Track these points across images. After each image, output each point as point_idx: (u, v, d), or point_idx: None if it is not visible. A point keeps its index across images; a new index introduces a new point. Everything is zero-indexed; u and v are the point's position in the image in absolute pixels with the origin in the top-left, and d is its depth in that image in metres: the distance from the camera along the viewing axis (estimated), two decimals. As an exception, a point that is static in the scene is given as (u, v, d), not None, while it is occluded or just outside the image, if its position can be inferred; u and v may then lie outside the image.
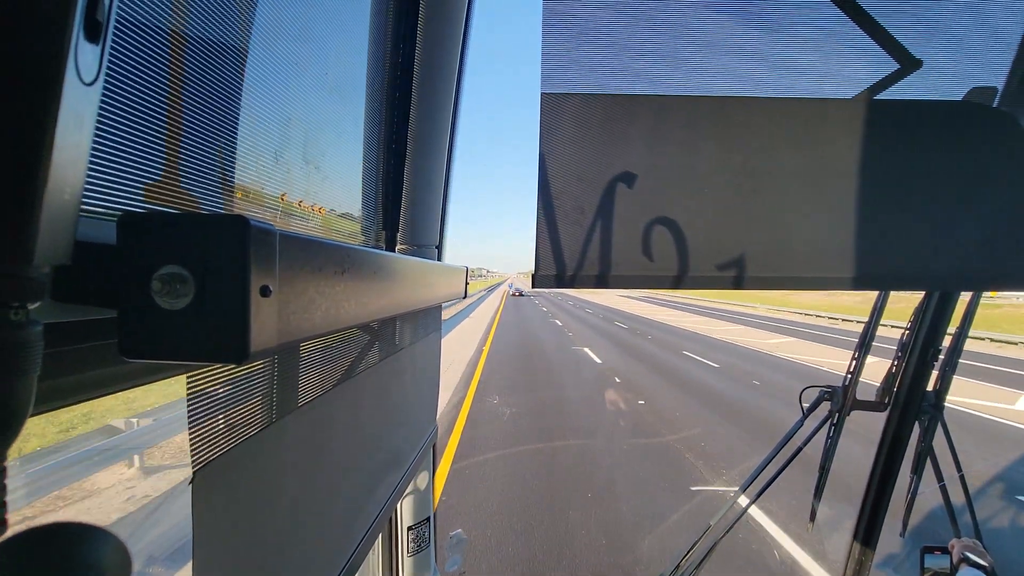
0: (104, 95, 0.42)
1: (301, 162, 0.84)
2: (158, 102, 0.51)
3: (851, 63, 1.27)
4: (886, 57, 1.26)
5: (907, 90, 1.29)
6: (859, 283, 1.25)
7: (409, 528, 1.69)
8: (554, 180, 1.23)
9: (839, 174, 1.26)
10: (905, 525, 2.14)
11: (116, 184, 0.45)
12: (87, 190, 0.41)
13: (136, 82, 0.47)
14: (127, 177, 0.47)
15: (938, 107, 1.29)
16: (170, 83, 0.53)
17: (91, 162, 0.42)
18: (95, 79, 0.27)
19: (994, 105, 1.32)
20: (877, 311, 1.89)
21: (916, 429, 1.96)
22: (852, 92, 1.29)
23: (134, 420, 5.61)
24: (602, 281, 1.24)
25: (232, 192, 0.65)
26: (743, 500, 2.03)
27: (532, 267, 1.26)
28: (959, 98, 1.31)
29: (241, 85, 0.67)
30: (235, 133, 0.65)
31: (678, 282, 1.24)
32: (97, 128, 0.42)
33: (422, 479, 1.71)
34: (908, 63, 1.26)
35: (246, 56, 0.68)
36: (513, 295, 54.72)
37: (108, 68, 0.42)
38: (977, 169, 1.28)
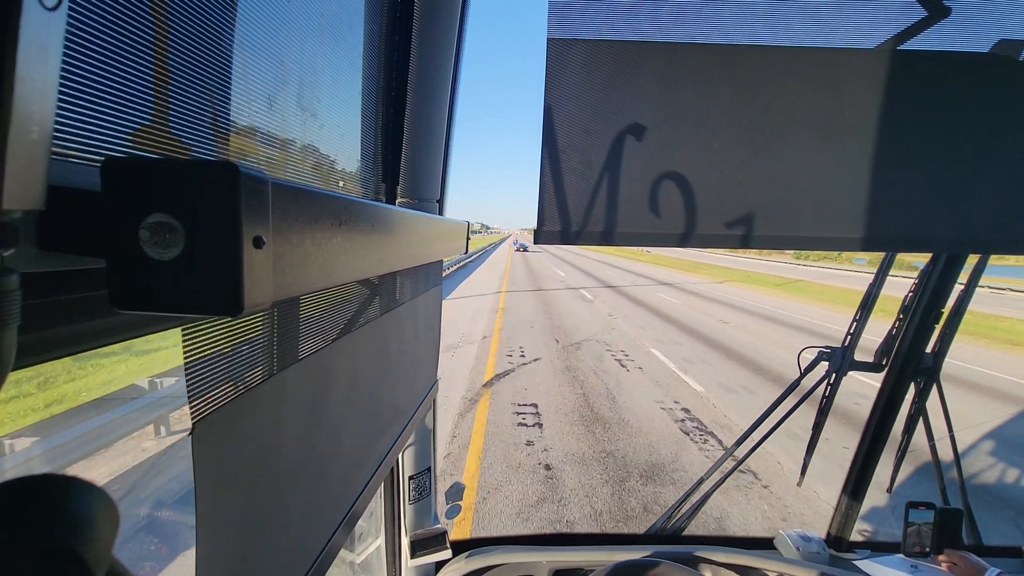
0: (76, 25, 0.39)
1: (296, 109, 0.81)
2: (143, 39, 0.47)
3: (875, 9, 1.20)
4: (913, 3, 1.19)
5: (931, 40, 1.22)
6: (869, 243, 1.23)
7: (410, 477, 1.74)
8: (560, 132, 1.18)
9: (854, 129, 1.21)
10: (892, 482, 2.20)
11: (99, 128, 0.43)
12: (66, 134, 0.39)
13: (113, 14, 0.43)
14: (111, 120, 0.44)
15: (962, 59, 1.22)
16: (155, 18, 0.49)
17: (70, 103, 0.39)
18: (58, 3, 0.24)
19: (1021, 59, 1.25)
20: (882, 272, 1.87)
21: (912, 390, 1.98)
22: (874, 42, 1.22)
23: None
24: (607, 238, 1.21)
25: (223, 138, 0.63)
26: (736, 455, 2.08)
27: (534, 223, 1.23)
28: (985, 50, 1.24)
29: (232, 24, 0.63)
30: (226, 75, 0.62)
31: (685, 240, 1.21)
32: (69, 63, 0.39)
33: (423, 431, 1.75)
34: (936, 11, 1.19)
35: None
36: (517, 250, 57.22)
37: None
38: (997, 126, 1.23)
